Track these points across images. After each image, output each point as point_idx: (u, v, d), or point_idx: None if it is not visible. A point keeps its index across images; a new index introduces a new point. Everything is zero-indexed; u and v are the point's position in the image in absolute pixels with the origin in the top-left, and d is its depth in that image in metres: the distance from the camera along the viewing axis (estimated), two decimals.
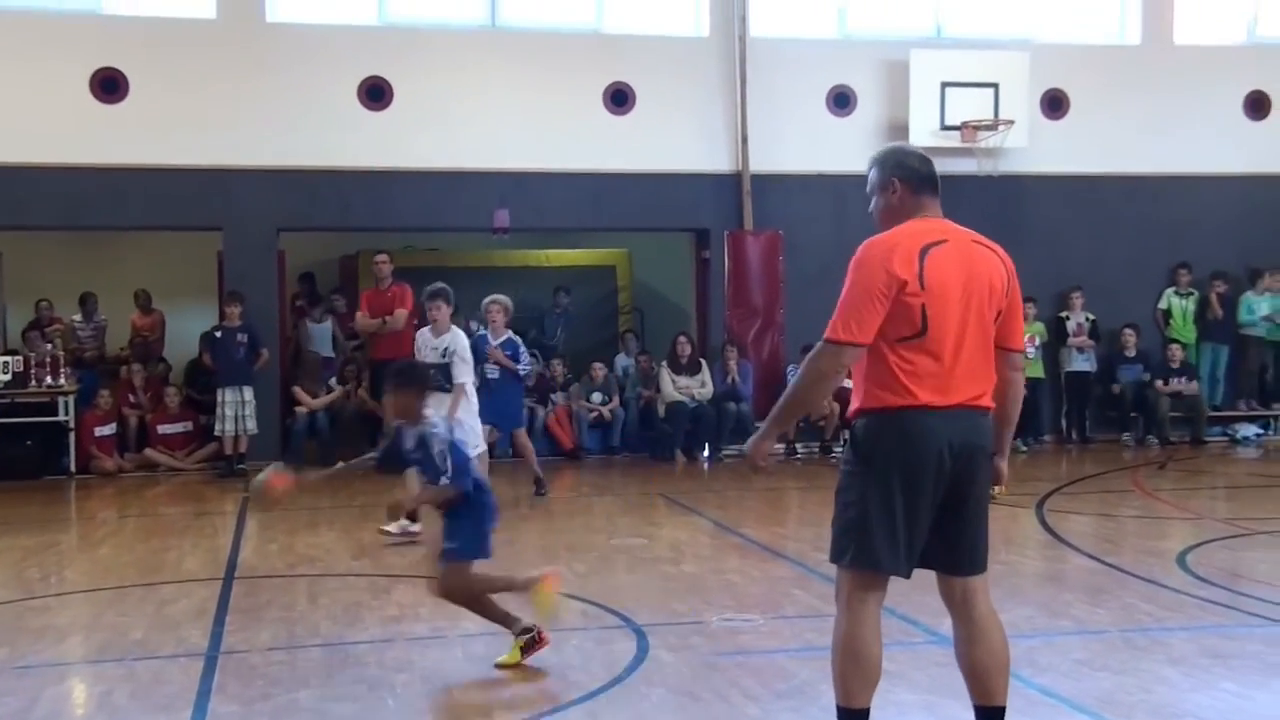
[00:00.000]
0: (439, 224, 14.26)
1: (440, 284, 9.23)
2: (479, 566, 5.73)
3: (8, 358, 12.96)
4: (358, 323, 12.42)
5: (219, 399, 12.62)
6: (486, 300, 10.42)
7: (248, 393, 12.67)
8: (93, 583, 7.88)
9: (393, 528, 8.65)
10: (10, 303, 15.34)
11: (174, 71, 13.10)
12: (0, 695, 5.43)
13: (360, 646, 6.20)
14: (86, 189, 12.84)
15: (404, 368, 6.04)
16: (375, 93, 13.60)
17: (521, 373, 10.45)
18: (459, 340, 8.89)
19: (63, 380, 12.73)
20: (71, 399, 12.72)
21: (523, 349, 10.50)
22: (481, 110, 13.70)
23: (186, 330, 14.78)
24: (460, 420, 8.58)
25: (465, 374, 8.80)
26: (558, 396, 14.05)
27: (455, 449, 5.59)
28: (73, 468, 12.62)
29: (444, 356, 8.75)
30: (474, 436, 8.79)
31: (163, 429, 13.14)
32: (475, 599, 5.72)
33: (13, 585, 7.70)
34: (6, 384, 12.63)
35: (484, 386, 9.90)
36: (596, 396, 14.01)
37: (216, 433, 12.74)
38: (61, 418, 12.66)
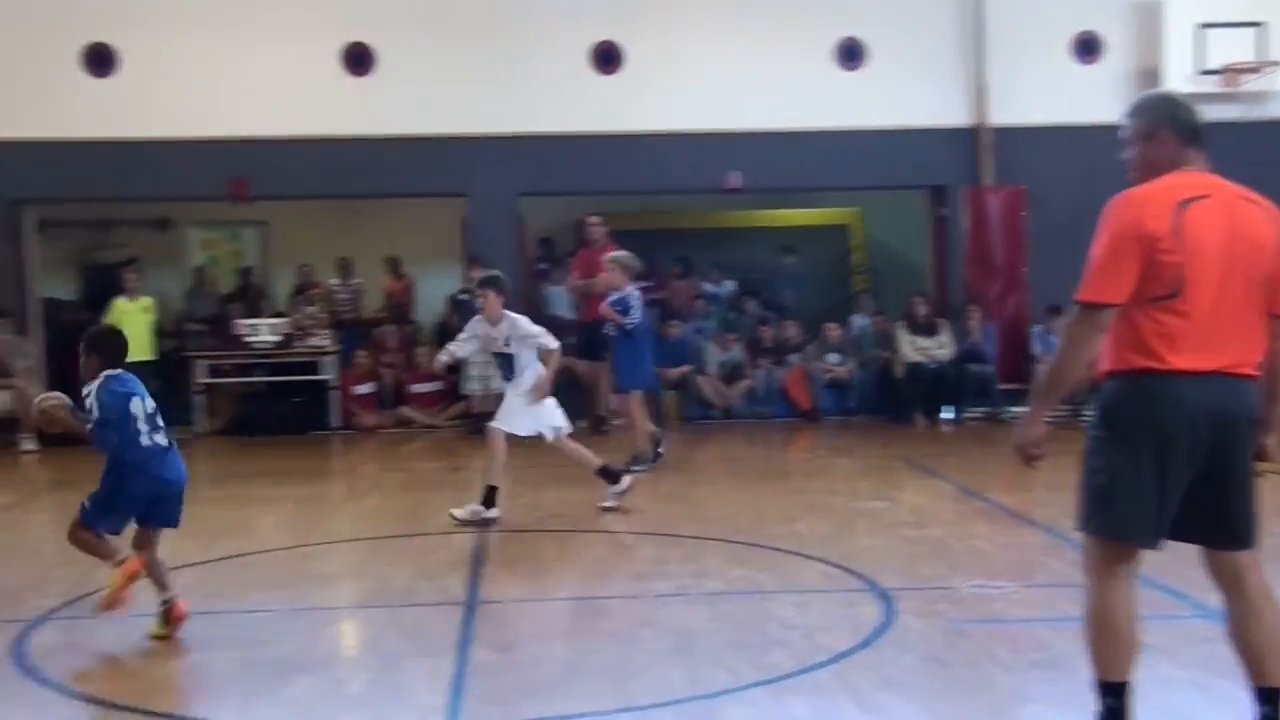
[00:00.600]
0: (672, 186, 14.38)
1: (492, 273, 8.80)
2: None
3: (276, 320, 13.85)
4: (569, 284, 12.74)
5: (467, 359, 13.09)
6: (605, 259, 10.51)
7: None
8: (358, 532, 8.37)
9: (461, 512, 8.17)
10: (276, 268, 16.33)
11: (417, 43, 13.60)
12: (283, 635, 5.83)
13: (608, 601, 6.40)
14: (343, 160, 13.48)
15: (92, 333, 6.02)
16: (607, 57, 13.80)
17: (627, 326, 10.22)
18: (517, 326, 8.37)
19: (325, 341, 13.52)
20: (334, 359, 13.49)
21: (634, 303, 10.23)
22: (711, 71, 13.71)
23: (433, 293, 15.41)
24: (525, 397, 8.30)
25: (549, 343, 8.36)
26: (794, 358, 14.03)
27: (109, 404, 5.54)
28: (335, 424, 13.39)
29: (506, 345, 8.38)
30: (547, 416, 8.39)
31: (415, 388, 13.78)
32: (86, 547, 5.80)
33: (287, 533, 8.26)
34: (276, 345, 13.50)
35: (613, 349, 10.26)
36: (832, 357, 13.92)
37: (465, 391, 13.28)
38: (325, 377, 13.45)
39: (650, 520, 8.38)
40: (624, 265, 10.29)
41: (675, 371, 13.64)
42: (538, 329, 8.43)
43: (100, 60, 13.12)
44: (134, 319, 13.21)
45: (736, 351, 14.06)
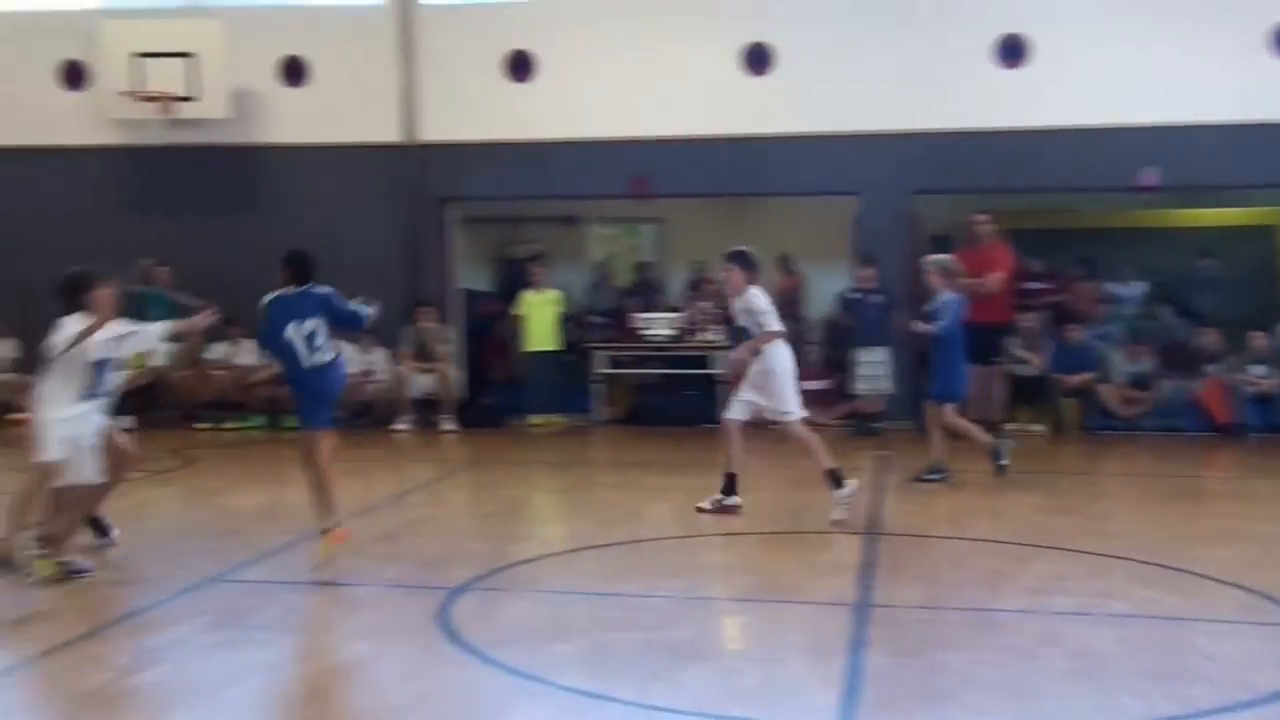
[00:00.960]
0: (1076, 183, 13.61)
1: (738, 248, 8.63)
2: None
3: (670, 315, 14.29)
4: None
5: (856, 359, 13.02)
6: (923, 260, 10.22)
7: (884, 353, 12.96)
8: (745, 526, 8.48)
9: (706, 503, 8.57)
10: (671, 264, 16.87)
11: (817, 42, 13.60)
12: (677, 622, 6.00)
13: (1004, 614, 6.14)
14: (739, 158, 13.70)
15: (289, 252, 6.99)
16: (1011, 50, 13.28)
17: (934, 331, 9.81)
18: (749, 301, 8.44)
19: (717, 336, 13.81)
20: (725, 353, 13.73)
21: (946, 309, 9.79)
22: (1127, 61, 12.89)
23: (823, 291, 15.40)
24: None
25: (769, 324, 8.41)
26: (1210, 368, 12.98)
27: (262, 332, 6.89)
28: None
29: (741, 319, 8.57)
30: (782, 401, 8.50)
31: (803, 385, 13.76)
32: (312, 467, 6.98)
33: (681, 522, 8.49)
34: (670, 339, 13.94)
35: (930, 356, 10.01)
36: (1257, 369, 12.75)
37: (853, 391, 13.18)
38: (716, 371, 13.74)
39: (1045, 533, 7.99)
40: (941, 269, 9.98)
41: (1075, 379, 12.97)
42: (765, 308, 8.41)
43: (521, 66, 13.93)
44: (540, 310, 14.08)
45: (1146, 361, 13.16)
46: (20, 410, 11.00)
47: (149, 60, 13.43)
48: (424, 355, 13.68)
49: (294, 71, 14.23)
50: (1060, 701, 4.75)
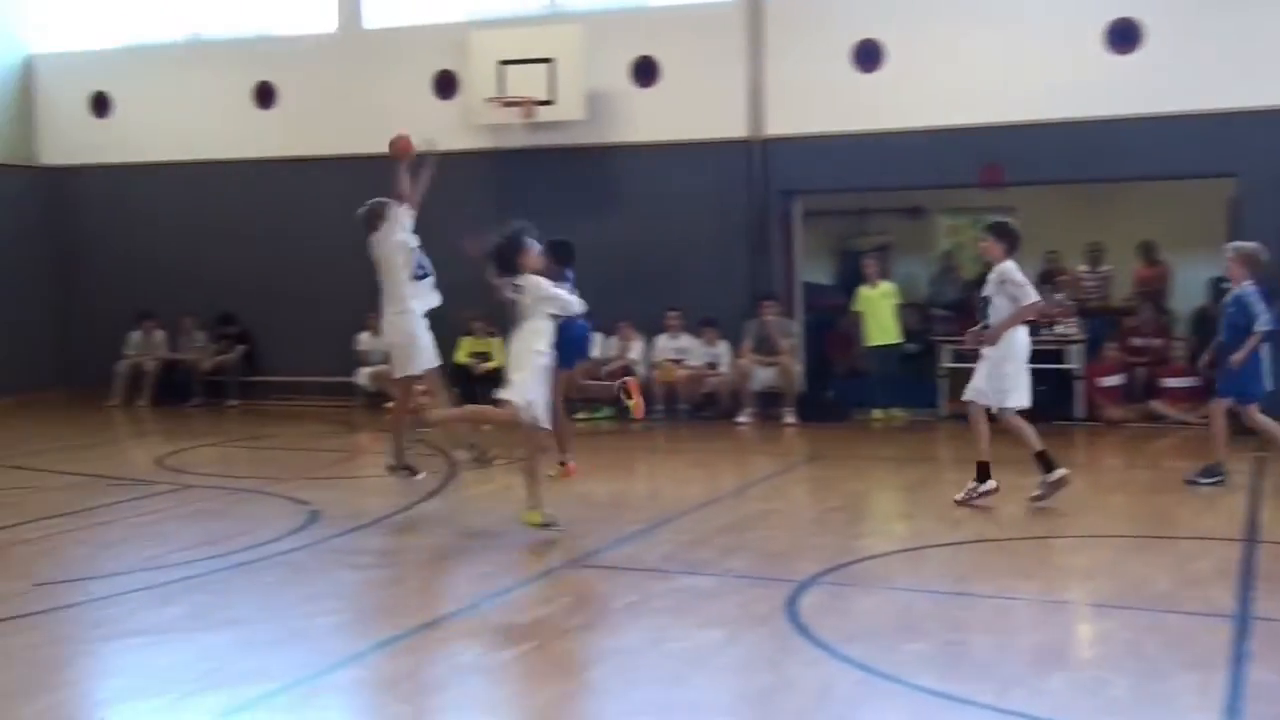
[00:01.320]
0: None
1: (998, 219, 8.78)
2: None
3: None
4: None
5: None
6: (1226, 246, 9.46)
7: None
8: (1107, 529, 8.06)
9: (978, 495, 8.41)
10: (1022, 255, 16.18)
11: (1191, 13, 12.72)
12: (1036, 626, 5.78)
13: None
14: (1098, 142, 12.97)
15: (553, 241, 8.43)
16: None
17: (1259, 329, 8.98)
18: (1003, 273, 8.40)
19: (1072, 329, 13.17)
20: (1080, 348, 13.10)
21: (1251, 304, 8.93)
22: None
23: (1192, 280, 14.40)
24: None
25: (1027, 296, 8.36)
26: None
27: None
28: (1080, 414, 12.98)
29: (988, 291, 8.51)
30: (1013, 391, 8.46)
31: (1168, 382, 12.96)
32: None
33: (1031, 522, 8.16)
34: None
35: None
36: None
37: None
38: (1070, 366, 13.09)
39: None
40: (1245, 256, 9.12)
41: None
42: (1021, 279, 8.36)
43: (868, 55, 13.79)
44: (877, 304, 13.89)
45: None
46: (391, 399, 11.91)
47: (511, 67, 14.17)
48: (766, 348, 13.76)
49: (645, 71, 14.60)
50: None
